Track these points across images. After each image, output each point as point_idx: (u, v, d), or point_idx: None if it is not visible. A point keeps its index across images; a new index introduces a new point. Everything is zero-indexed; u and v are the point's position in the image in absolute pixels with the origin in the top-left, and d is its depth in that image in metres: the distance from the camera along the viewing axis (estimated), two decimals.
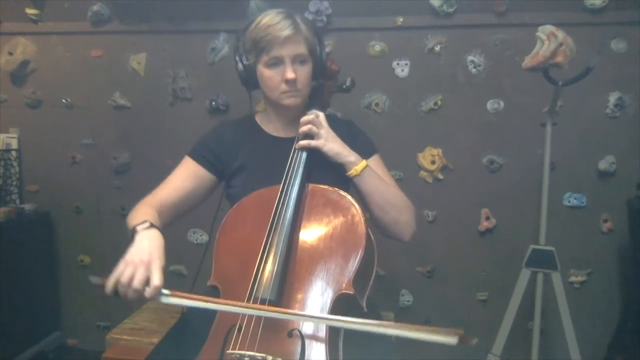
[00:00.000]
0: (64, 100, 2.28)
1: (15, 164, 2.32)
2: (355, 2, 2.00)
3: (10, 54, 2.25)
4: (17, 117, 2.33)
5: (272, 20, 1.18)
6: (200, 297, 0.97)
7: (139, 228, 1.06)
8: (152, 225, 1.07)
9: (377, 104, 2.07)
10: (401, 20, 2.00)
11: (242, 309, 0.96)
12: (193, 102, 2.20)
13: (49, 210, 2.35)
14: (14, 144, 2.33)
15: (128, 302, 0.99)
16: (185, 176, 1.29)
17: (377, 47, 2.04)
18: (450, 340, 0.84)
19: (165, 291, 0.96)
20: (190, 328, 1.17)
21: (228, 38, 2.12)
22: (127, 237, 1.13)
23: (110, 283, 0.97)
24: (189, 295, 0.97)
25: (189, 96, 2.19)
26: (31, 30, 2.25)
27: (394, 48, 2.04)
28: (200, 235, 2.23)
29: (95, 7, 2.15)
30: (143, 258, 0.98)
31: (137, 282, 0.95)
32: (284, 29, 1.17)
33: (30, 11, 2.21)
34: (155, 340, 1.57)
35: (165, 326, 1.74)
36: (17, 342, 2.18)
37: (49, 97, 2.31)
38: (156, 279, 0.96)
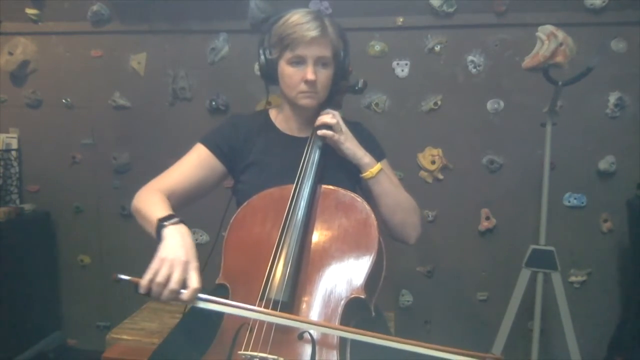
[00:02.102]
0: (64, 100, 2.28)
1: (15, 164, 2.32)
2: (355, 2, 2.00)
3: (10, 54, 2.25)
4: (17, 117, 2.33)
5: (300, 19, 1.17)
6: (239, 304, 0.95)
7: (167, 223, 1.03)
8: (181, 221, 1.04)
9: (377, 104, 2.07)
10: (401, 20, 2.00)
11: (276, 318, 0.94)
12: (193, 102, 2.20)
13: (49, 210, 2.35)
14: (14, 144, 2.33)
15: (160, 302, 0.96)
16: (197, 164, 1.27)
17: (377, 47, 2.04)
18: None
19: (202, 295, 0.94)
20: (194, 327, 1.16)
21: (228, 38, 2.13)
22: (137, 226, 1.10)
23: (145, 282, 0.93)
24: (227, 302, 0.95)
25: (189, 96, 2.19)
26: (31, 30, 2.24)
27: (394, 48, 2.04)
28: (201, 236, 2.23)
29: (95, 7, 2.15)
30: (180, 257, 0.95)
31: (174, 283, 0.93)
32: (311, 30, 1.16)
33: (30, 11, 2.20)
34: (156, 340, 1.57)
35: (165, 326, 1.74)
36: (17, 342, 2.17)
37: (49, 97, 2.30)
38: (194, 281, 0.94)
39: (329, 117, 1.21)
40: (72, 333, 2.44)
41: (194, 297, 0.93)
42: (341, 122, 1.23)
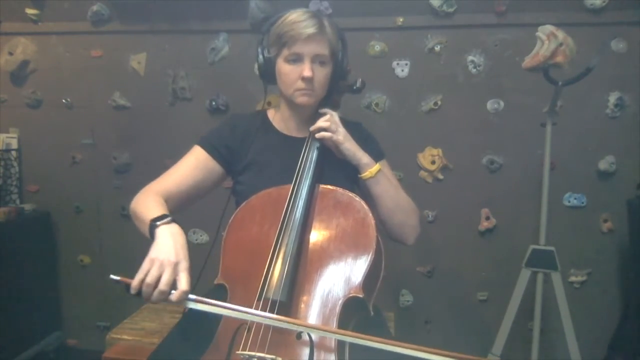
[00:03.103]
0: (64, 100, 2.28)
1: (15, 164, 2.32)
2: (355, 2, 2.00)
3: (10, 54, 2.25)
4: (17, 117, 2.33)
5: (298, 18, 1.18)
6: (229, 305, 0.95)
7: (159, 222, 1.03)
8: (172, 220, 1.04)
9: (377, 104, 2.07)
10: (401, 20, 2.00)
11: (272, 321, 0.93)
12: (193, 102, 2.20)
13: (49, 210, 2.35)
14: (14, 144, 2.33)
15: (150, 303, 0.96)
16: (195, 166, 1.26)
17: (377, 47, 2.04)
18: None
19: (192, 296, 0.94)
20: (193, 327, 1.16)
21: (228, 38, 2.13)
22: (136, 228, 1.10)
23: (135, 282, 0.94)
24: (217, 303, 0.94)
25: (189, 96, 2.19)
26: (31, 30, 2.25)
27: (394, 48, 2.04)
28: (200, 236, 2.23)
29: (95, 7, 2.15)
30: (170, 258, 0.95)
31: (163, 285, 0.92)
32: (309, 27, 1.16)
33: (30, 11, 2.20)
34: (156, 340, 1.57)
35: (165, 326, 1.74)
36: (17, 342, 2.17)
37: (49, 97, 2.30)
38: (184, 283, 0.94)
39: (323, 120, 1.21)
40: (72, 333, 2.44)
41: (183, 299, 0.93)
42: (338, 123, 1.22)
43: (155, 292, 0.93)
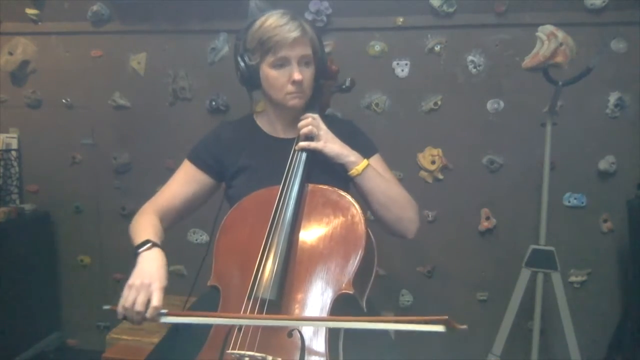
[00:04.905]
0: (64, 100, 2.28)
1: (15, 164, 2.32)
2: (355, 2, 2.00)
3: (10, 54, 2.25)
4: (17, 117, 2.33)
5: (279, 22, 1.18)
6: (196, 313, 1.02)
7: (140, 250, 1.09)
8: (153, 245, 1.10)
9: (377, 104, 2.07)
10: (401, 20, 2.00)
11: (238, 320, 0.99)
12: (193, 102, 2.20)
13: (49, 210, 2.35)
14: (14, 144, 2.33)
15: (136, 324, 1.05)
16: (185, 181, 1.30)
17: (377, 47, 2.04)
18: (438, 329, 0.86)
19: (163, 311, 1.01)
20: (190, 328, 1.17)
21: (228, 38, 2.13)
22: (130, 245, 1.15)
23: (119, 309, 1.03)
24: (186, 313, 1.04)
25: (189, 96, 2.19)
26: (31, 30, 2.25)
27: (394, 48, 2.04)
28: (200, 236, 2.23)
29: (95, 7, 2.15)
30: (144, 281, 1.02)
31: (138, 305, 1.00)
32: (292, 31, 1.17)
33: (30, 11, 2.21)
34: (155, 340, 1.57)
35: (165, 326, 1.74)
36: (17, 342, 2.18)
37: (49, 97, 2.30)
38: (155, 300, 1.00)
39: (306, 128, 1.21)
40: (72, 333, 2.44)
41: (156, 315, 1.00)
42: (321, 125, 1.22)
43: (134, 314, 1.01)
